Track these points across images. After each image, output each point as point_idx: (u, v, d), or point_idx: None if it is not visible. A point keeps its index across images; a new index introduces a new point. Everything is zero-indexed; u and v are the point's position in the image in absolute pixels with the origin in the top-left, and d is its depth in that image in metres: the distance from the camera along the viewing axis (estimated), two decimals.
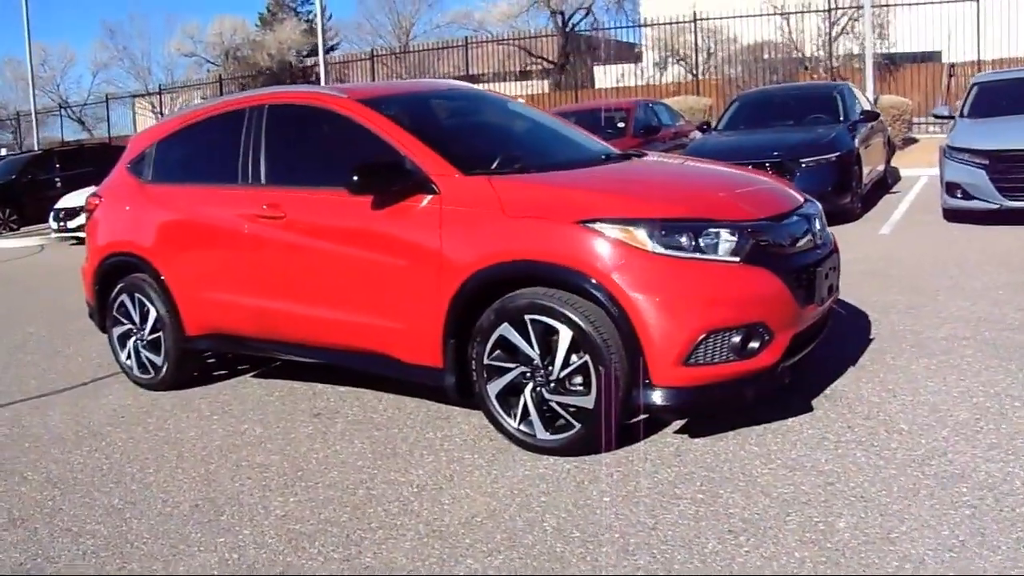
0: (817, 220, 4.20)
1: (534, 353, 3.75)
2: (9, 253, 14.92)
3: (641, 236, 3.59)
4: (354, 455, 4.05)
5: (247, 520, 3.44)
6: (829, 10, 26.97)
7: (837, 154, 9.65)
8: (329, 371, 5.15)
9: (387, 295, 4.16)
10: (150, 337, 5.26)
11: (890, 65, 24.05)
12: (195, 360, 5.33)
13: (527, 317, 3.73)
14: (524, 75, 30.53)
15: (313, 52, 41.29)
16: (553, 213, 3.75)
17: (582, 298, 3.64)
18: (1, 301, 9.64)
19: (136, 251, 5.22)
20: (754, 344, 3.62)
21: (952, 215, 9.04)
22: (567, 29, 32.13)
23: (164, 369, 5.25)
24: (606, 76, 30.70)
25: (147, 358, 5.31)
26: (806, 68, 23.26)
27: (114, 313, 5.42)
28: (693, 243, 3.61)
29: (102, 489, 3.88)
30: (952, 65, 23.29)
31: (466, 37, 26.46)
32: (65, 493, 3.88)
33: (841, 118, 10.83)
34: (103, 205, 5.56)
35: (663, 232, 3.60)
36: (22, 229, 17.87)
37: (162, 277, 5.10)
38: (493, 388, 3.89)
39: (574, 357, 3.65)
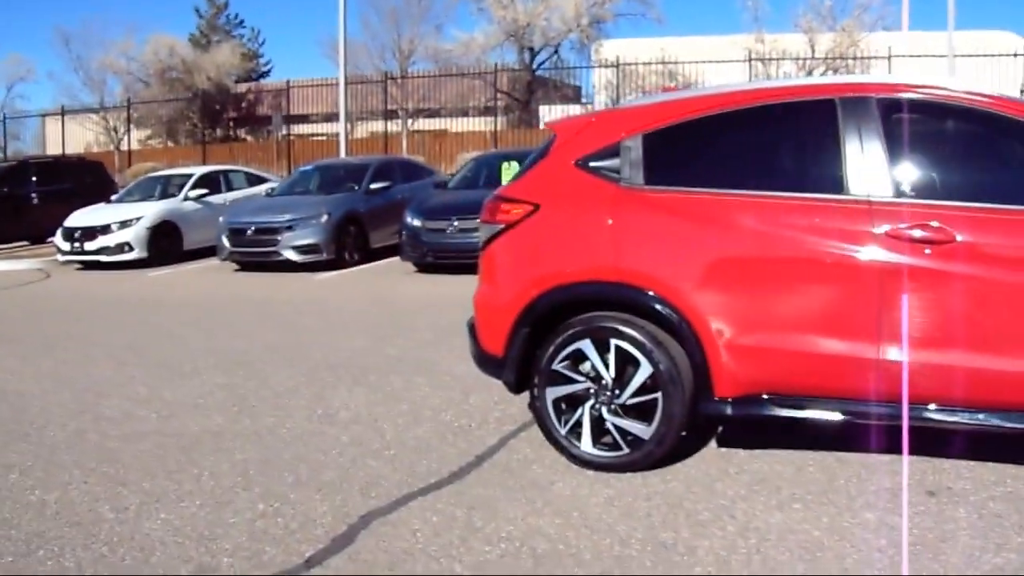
0: None
1: None
2: (6, 278, 12.24)
3: None
4: None
5: None
6: (807, 59, 27.44)
7: None
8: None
9: None
10: (633, 400, 3.65)
11: None
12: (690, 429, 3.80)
13: None
14: (487, 111, 29.40)
15: (247, 77, 39.25)
16: None
17: None
18: (81, 333, 7.51)
19: (635, 281, 3.64)
20: None
21: None
22: (533, 67, 31.32)
23: (654, 443, 3.66)
24: (552, 116, 30.02)
25: (619, 428, 3.70)
26: None
27: (553, 367, 3.77)
28: None
29: None
30: None
31: (496, 64, 25.08)
32: None
33: None
34: (543, 215, 3.87)
35: None
36: None
37: (685, 318, 3.57)
38: None
39: None
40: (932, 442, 3.89)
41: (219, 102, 34.23)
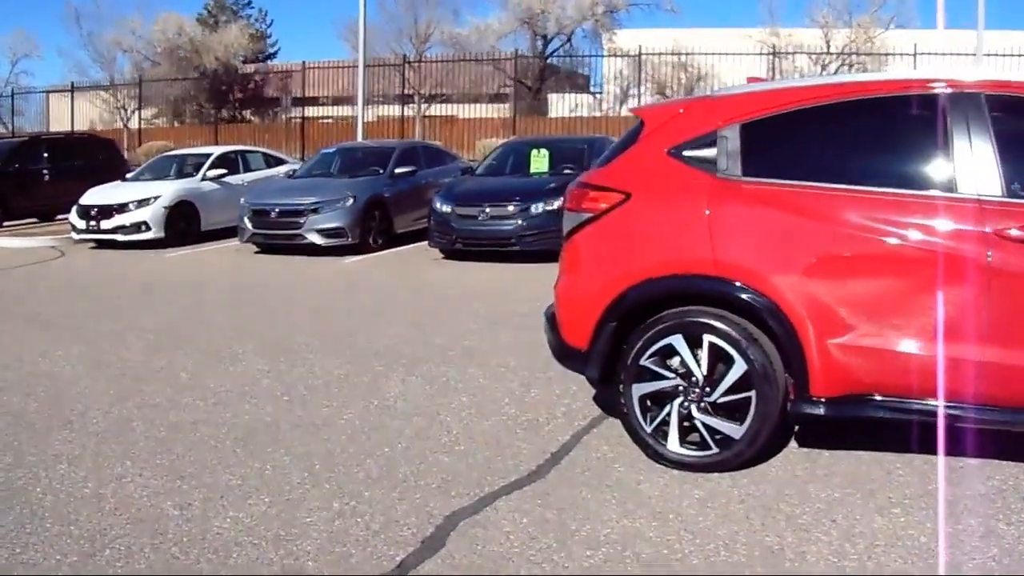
0: None
1: None
2: (21, 256, 12.03)
3: None
4: None
5: None
6: (822, 54, 27.17)
7: None
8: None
9: None
10: (724, 399, 3.49)
11: None
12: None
13: None
14: (497, 97, 29.12)
15: (255, 58, 38.86)
16: None
17: None
18: (106, 314, 7.28)
19: (732, 275, 3.46)
20: None
21: None
22: (545, 55, 30.96)
23: (745, 443, 3.51)
24: (562, 105, 29.76)
25: (708, 427, 3.53)
26: None
27: (642, 363, 3.59)
28: None
29: None
30: None
31: (515, 50, 24.75)
32: None
33: None
34: (635, 205, 3.67)
35: None
36: (5, 225, 14.81)
37: (784, 315, 3.39)
38: None
39: None
40: (1007, 446, 3.74)
41: (226, 82, 33.92)
